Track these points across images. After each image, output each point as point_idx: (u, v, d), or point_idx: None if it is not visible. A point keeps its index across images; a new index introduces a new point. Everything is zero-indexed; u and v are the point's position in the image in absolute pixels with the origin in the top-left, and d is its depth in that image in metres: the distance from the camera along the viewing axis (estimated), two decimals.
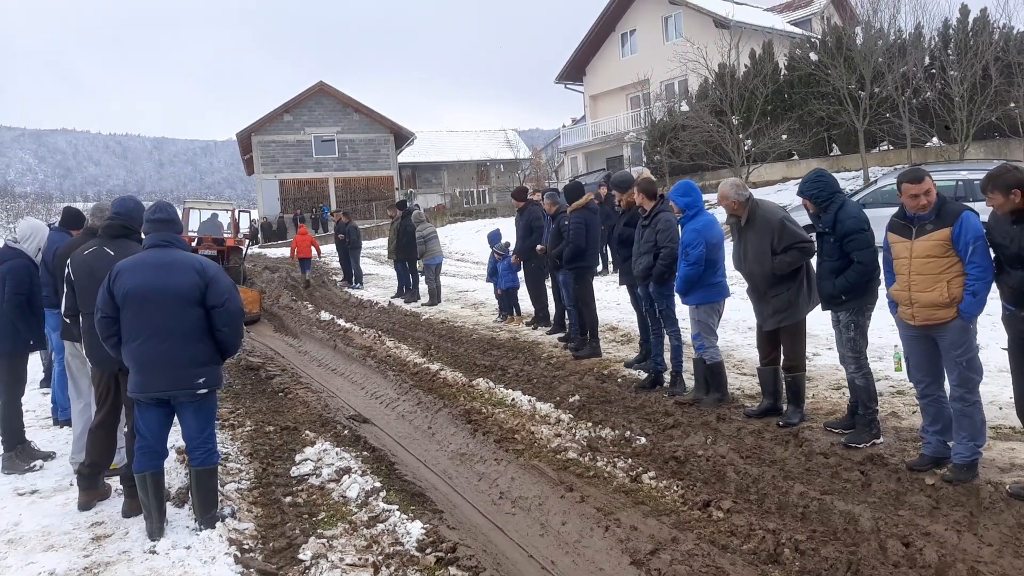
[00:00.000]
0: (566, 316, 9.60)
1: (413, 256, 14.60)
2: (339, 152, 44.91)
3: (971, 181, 11.76)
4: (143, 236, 4.74)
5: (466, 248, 24.74)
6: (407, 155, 49.28)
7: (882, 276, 5.03)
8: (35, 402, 7.57)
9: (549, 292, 10.60)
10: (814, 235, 5.53)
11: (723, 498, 4.45)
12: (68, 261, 4.97)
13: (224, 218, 16.95)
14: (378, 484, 5.03)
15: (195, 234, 15.85)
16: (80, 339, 5.10)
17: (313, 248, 18.87)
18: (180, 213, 15.82)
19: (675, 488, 4.72)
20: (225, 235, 16.03)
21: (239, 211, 18.25)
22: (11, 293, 5.74)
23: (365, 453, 5.87)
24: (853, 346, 5.24)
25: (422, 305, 13.85)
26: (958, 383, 4.52)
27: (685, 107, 27.39)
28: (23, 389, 6.11)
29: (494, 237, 12.09)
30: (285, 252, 29.10)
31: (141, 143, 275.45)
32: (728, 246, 6.20)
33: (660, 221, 6.76)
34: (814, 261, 5.62)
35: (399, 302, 14.58)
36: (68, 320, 5.15)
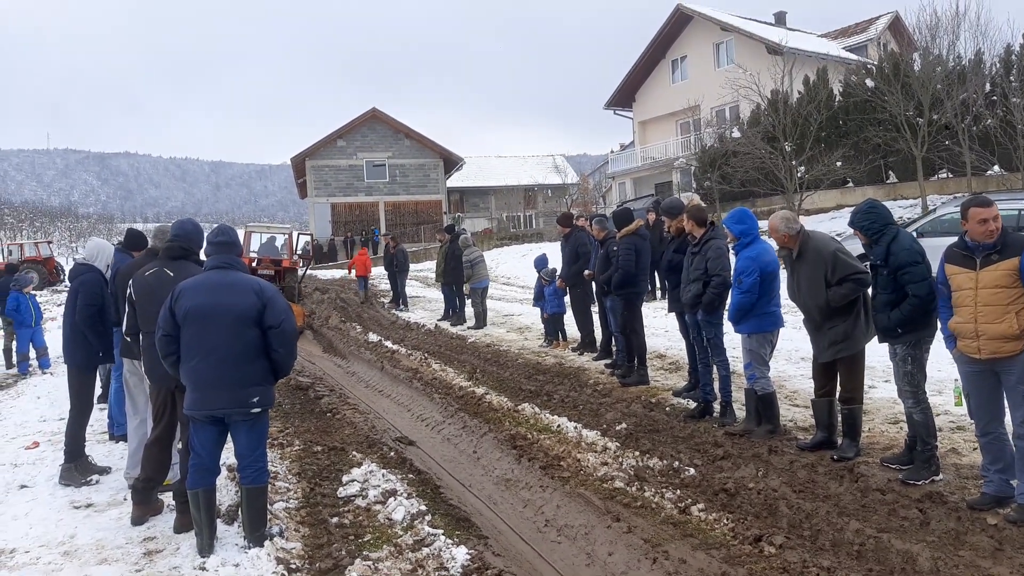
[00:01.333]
0: (613, 342, 9.53)
1: (460, 280, 14.69)
2: (390, 176, 45.68)
3: None
4: (202, 257, 4.88)
5: (512, 272, 24.80)
6: (456, 179, 49.82)
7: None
8: (92, 417, 7.76)
9: (596, 318, 10.54)
10: (867, 264, 5.42)
11: (775, 533, 4.34)
12: (130, 281, 5.13)
13: (280, 240, 17.83)
14: (423, 507, 5.04)
15: (256, 255, 16.67)
16: (139, 357, 5.24)
17: (369, 269, 20.96)
18: (242, 235, 17.02)
19: (725, 521, 4.61)
20: (282, 256, 16.86)
21: (299, 234, 19.54)
22: (83, 304, 5.94)
23: (411, 476, 5.88)
24: (911, 380, 5.09)
25: (468, 328, 13.90)
26: None
27: (736, 133, 27.17)
28: (92, 403, 6.31)
29: (541, 262, 12.09)
30: (335, 274, 29.64)
31: (199, 166, 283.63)
32: (783, 275, 6.10)
33: (711, 249, 6.69)
34: (870, 291, 5.49)
35: (445, 325, 14.65)
36: (129, 338, 5.30)
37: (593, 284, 10.08)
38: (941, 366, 6.71)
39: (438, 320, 15.33)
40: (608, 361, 9.56)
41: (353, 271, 21.90)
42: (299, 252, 18.18)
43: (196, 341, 4.33)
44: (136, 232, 6.95)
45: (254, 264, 16.08)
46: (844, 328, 5.53)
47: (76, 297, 5.99)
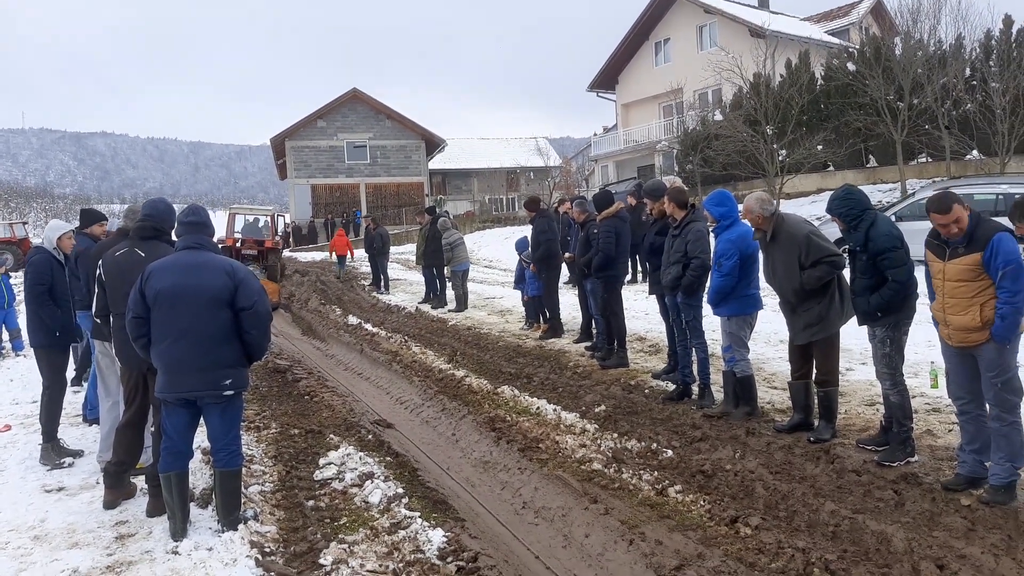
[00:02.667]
0: (593, 325, 9.52)
1: (441, 262, 14.62)
2: (371, 158, 45.28)
3: (1012, 195, 11.50)
4: (173, 237, 4.79)
5: (494, 255, 24.74)
6: (438, 161, 49.50)
7: (922, 289, 4.91)
8: (65, 400, 7.66)
9: (576, 301, 10.50)
10: (845, 249, 5.42)
11: (751, 514, 4.35)
12: (100, 262, 5.04)
13: (263, 221, 18.22)
14: (400, 490, 5.01)
15: (240, 235, 17.30)
16: (110, 339, 5.16)
17: (348, 249, 22.39)
18: (227, 217, 17.62)
19: (702, 503, 4.63)
20: (264, 237, 17.19)
21: (277, 215, 19.70)
22: (31, 284, 6.02)
23: (388, 458, 5.85)
24: (889, 362, 5.11)
25: (449, 311, 13.85)
26: (995, 403, 4.41)
27: (719, 116, 27.16)
28: (65, 381, 6.27)
29: (522, 244, 12.03)
30: (315, 256, 29.46)
31: (178, 147, 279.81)
32: (761, 258, 6.10)
33: (691, 231, 6.67)
34: (846, 273, 5.50)
35: (426, 308, 14.59)
36: (99, 320, 5.21)
37: (564, 267, 9.97)
38: (918, 348, 6.78)
39: (419, 303, 15.27)
40: (588, 344, 9.55)
41: (333, 253, 22.80)
42: (279, 234, 18.40)
43: (167, 323, 4.25)
44: (86, 209, 7.02)
45: (238, 245, 16.63)
46: (819, 311, 5.54)
47: (27, 279, 6.07)
